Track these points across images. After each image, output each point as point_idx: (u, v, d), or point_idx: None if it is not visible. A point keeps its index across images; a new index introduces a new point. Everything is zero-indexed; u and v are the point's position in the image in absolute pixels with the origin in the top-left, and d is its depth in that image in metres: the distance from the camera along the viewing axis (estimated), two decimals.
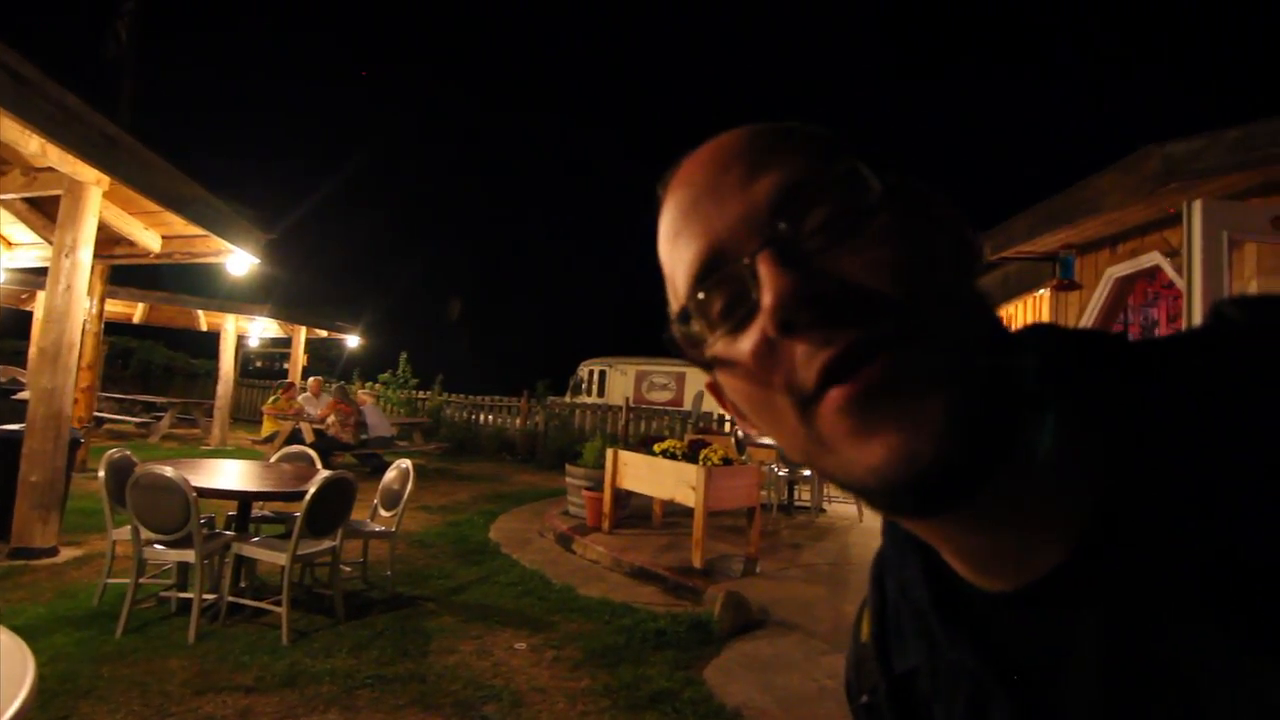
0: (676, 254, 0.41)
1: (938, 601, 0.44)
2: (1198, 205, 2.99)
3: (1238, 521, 0.32)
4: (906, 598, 0.47)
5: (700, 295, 0.39)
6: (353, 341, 16.56)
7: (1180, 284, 3.55)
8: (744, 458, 6.56)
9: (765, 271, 0.35)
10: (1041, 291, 5.47)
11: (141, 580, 3.56)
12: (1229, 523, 0.32)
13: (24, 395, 5.49)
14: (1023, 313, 6.35)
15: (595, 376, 16.67)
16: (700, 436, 7.40)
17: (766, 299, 0.35)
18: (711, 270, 0.39)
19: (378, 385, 14.74)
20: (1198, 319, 2.93)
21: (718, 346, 0.39)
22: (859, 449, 0.35)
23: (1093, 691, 0.36)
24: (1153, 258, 4.29)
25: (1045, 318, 5.57)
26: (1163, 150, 3.41)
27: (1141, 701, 0.35)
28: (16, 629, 2.37)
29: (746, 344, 0.38)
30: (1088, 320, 4.84)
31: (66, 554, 4.77)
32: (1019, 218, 4.72)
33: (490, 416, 14.60)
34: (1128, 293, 4.75)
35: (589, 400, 15.67)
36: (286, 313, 13.62)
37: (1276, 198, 3.41)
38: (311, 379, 10.49)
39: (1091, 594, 0.36)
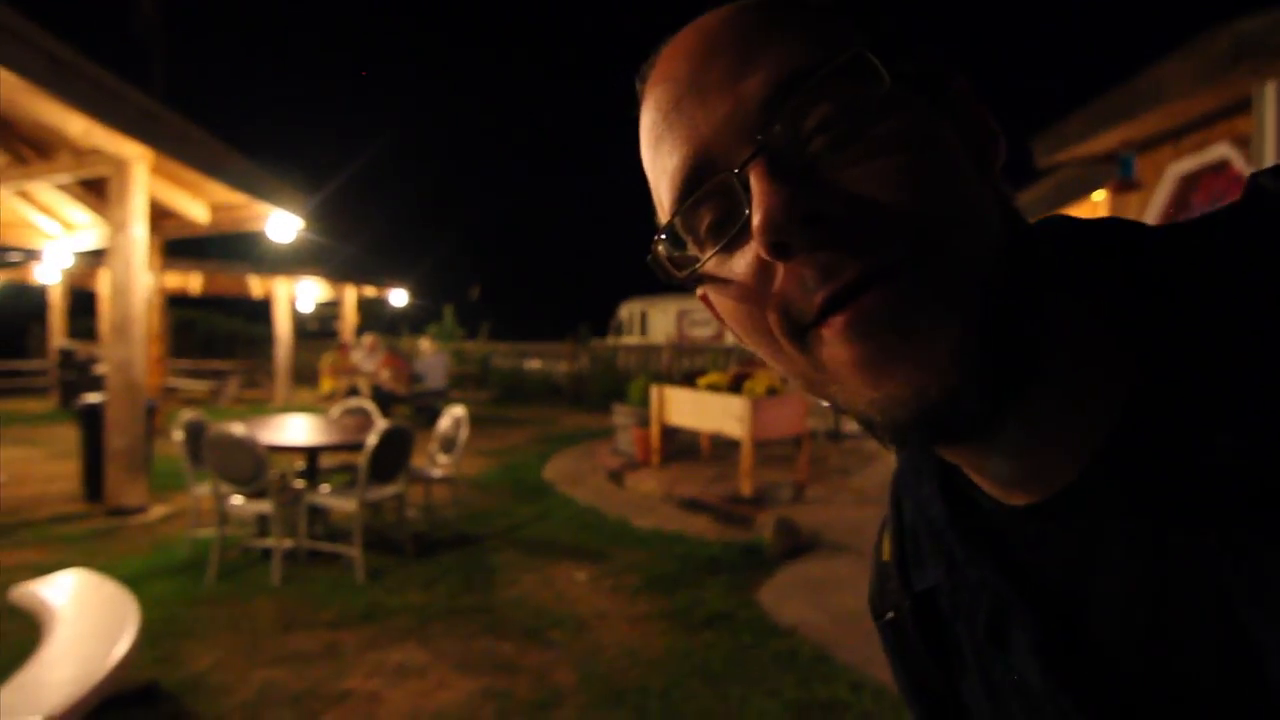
0: (659, 162, 0.37)
1: (954, 519, 0.42)
2: (1271, 87, 2.78)
3: (1261, 423, 0.30)
4: (924, 517, 0.46)
5: (686, 210, 0.36)
6: (399, 297, 16.91)
7: None
8: (788, 386, 6.55)
9: (756, 184, 0.32)
10: (1099, 196, 5.19)
11: (226, 531, 3.82)
12: (1252, 424, 0.30)
13: (102, 368, 5.83)
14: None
15: (636, 317, 16.69)
16: (744, 369, 7.40)
17: (756, 218, 0.31)
18: (698, 182, 0.35)
19: (425, 339, 15.10)
20: None
21: (708, 265, 0.36)
22: (863, 380, 0.33)
23: (1119, 604, 0.35)
24: (1221, 149, 4.00)
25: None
26: (1231, 28, 3.13)
27: (1169, 611, 0.33)
28: (119, 579, 2.59)
29: (739, 265, 0.35)
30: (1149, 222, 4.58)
31: (156, 511, 5.13)
32: (1073, 116, 4.45)
33: (537, 363, 14.85)
34: (1193, 190, 4.46)
35: (631, 341, 15.75)
36: (334, 272, 13.95)
37: None
38: (367, 336, 10.80)
39: (1114, 504, 0.34)
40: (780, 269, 0.33)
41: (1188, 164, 4.27)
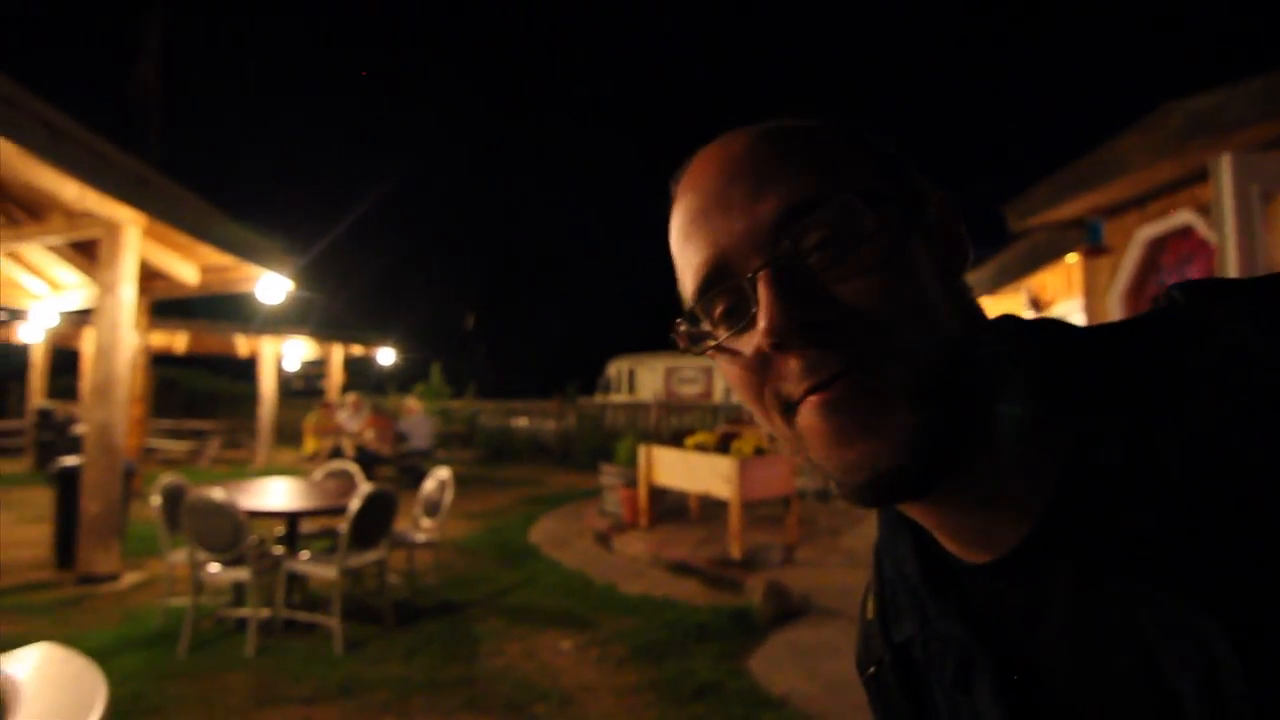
0: (685, 257, 0.45)
1: (926, 576, 0.48)
2: (1225, 159, 2.91)
3: (1173, 492, 0.36)
4: (901, 574, 0.51)
5: (705, 300, 0.44)
6: (386, 356, 16.89)
7: (1214, 241, 3.46)
8: (776, 446, 6.55)
9: (763, 293, 0.40)
10: (1071, 258, 5.35)
11: (200, 600, 3.71)
12: (1167, 493, 0.36)
13: (80, 429, 5.74)
14: (1054, 280, 6.21)
15: (624, 374, 16.74)
16: (731, 428, 7.40)
17: (762, 322, 0.39)
18: (717, 279, 0.43)
19: (412, 397, 15.01)
20: (1233, 275, 2.86)
21: (720, 339, 0.44)
22: (830, 451, 0.40)
23: (1062, 651, 0.41)
24: (1184, 216, 4.17)
25: (1077, 284, 5.44)
26: (1184, 105, 3.32)
27: (1103, 658, 0.39)
28: (87, 652, 2.50)
29: (743, 345, 0.43)
30: (1120, 284, 4.72)
31: (129, 578, 4.97)
32: (1040, 186, 4.63)
33: (524, 421, 14.77)
34: (1161, 253, 4.62)
35: (619, 398, 15.75)
36: (320, 332, 13.95)
37: None
38: (350, 394, 10.74)
39: (1056, 562, 0.40)
40: (776, 356, 0.41)
41: (1154, 229, 4.43)
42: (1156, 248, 4.60)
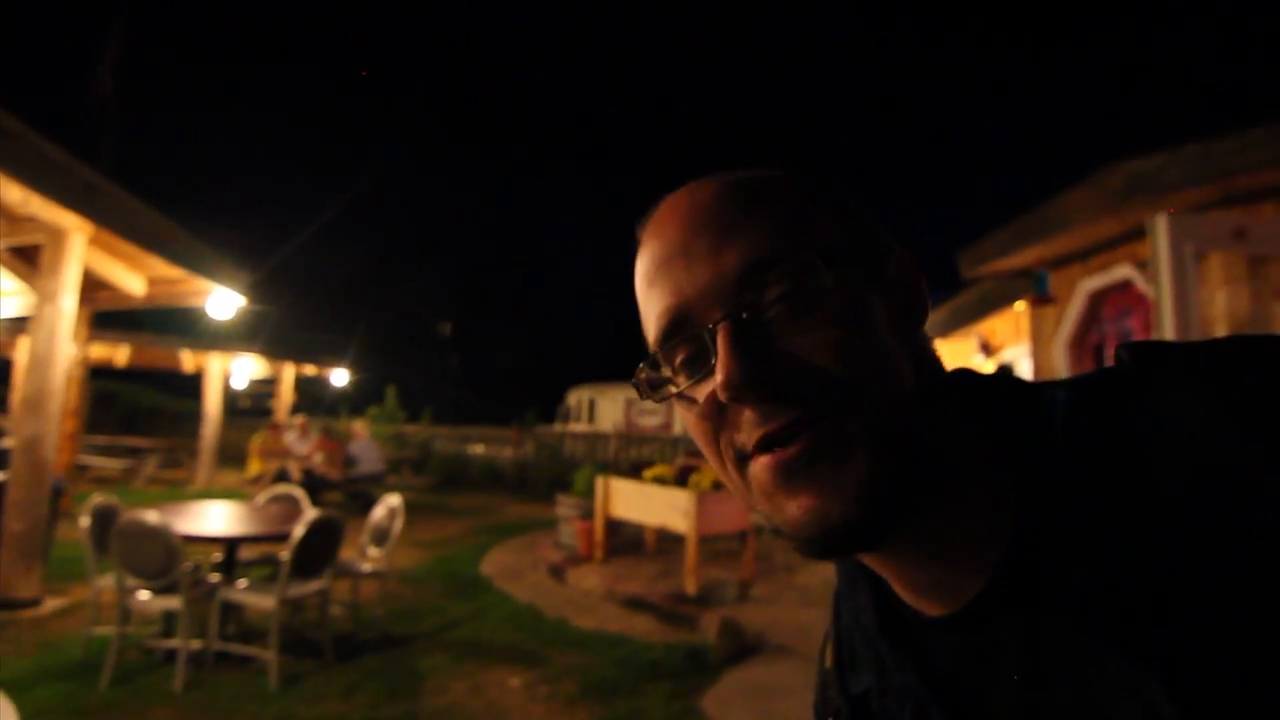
0: (649, 303, 0.46)
1: (884, 626, 0.49)
2: (1161, 219, 3.08)
3: (1119, 552, 0.37)
4: (858, 624, 0.52)
5: (667, 348, 0.45)
6: (340, 377, 16.49)
7: (1151, 295, 3.64)
8: None
9: (722, 346, 0.40)
10: (1019, 306, 5.56)
11: (127, 630, 3.51)
12: (1113, 553, 0.37)
13: (7, 443, 5.44)
14: (1004, 326, 6.44)
15: (585, 404, 16.65)
16: (690, 461, 7.40)
17: (719, 375, 0.40)
18: (678, 329, 0.44)
19: (365, 420, 14.66)
20: (1168, 328, 3.00)
21: (680, 387, 0.45)
22: (782, 504, 0.41)
23: (1014, 707, 0.41)
24: (1124, 270, 4.38)
25: (1025, 331, 5.65)
26: (1124, 167, 3.51)
27: (1053, 708, 0.39)
28: (1, 683, 2.33)
29: (701, 393, 0.44)
30: (1065, 333, 4.92)
31: (51, 604, 4.68)
32: (991, 236, 4.82)
33: (480, 448, 14.53)
34: (1102, 305, 4.83)
35: (579, 428, 15.64)
36: (271, 350, 13.56)
37: (1237, 209, 3.51)
38: (298, 416, 10.43)
39: (1009, 617, 0.41)
40: (730, 407, 0.42)
41: (1096, 281, 4.65)
42: (1098, 299, 4.81)
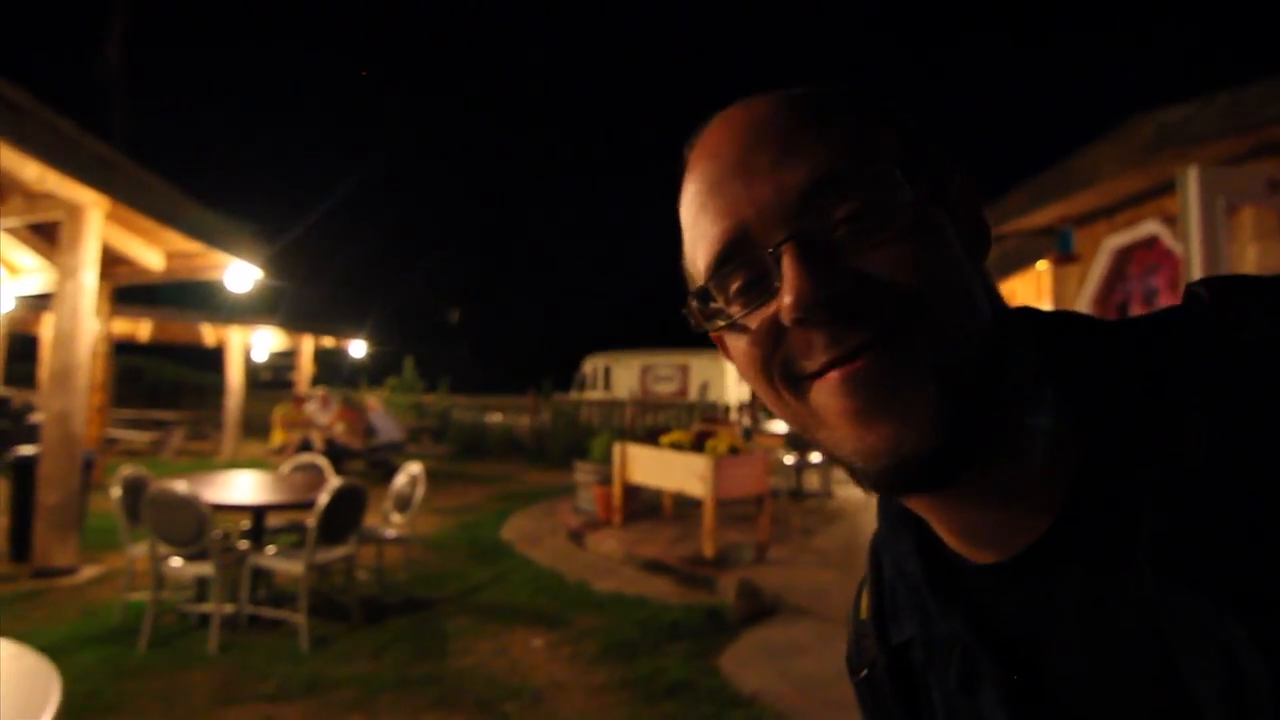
0: (699, 228, 0.42)
1: (930, 574, 0.46)
2: (1192, 172, 2.98)
3: (1198, 492, 0.34)
4: (901, 573, 0.49)
5: (721, 275, 0.41)
6: (358, 348, 16.64)
7: (1179, 251, 3.55)
8: (750, 445, 6.58)
9: (789, 266, 0.37)
10: (1041, 265, 5.46)
11: (162, 595, 3.62)
12: (1192, 493, 0.34)
13: (38, 418, 5.57)
14: (1024, 288, 6.33)
15: (600, 371, 16.70)
16: (706, 427, 7.42)
17: (787, 297, 0.37)
18: (735, 252, 0.40)
19: (384, 390, 14.81)
20: None
21: (735, 317, 0.41)
22: (849, 430, 0.38)
23: (1075, 655, 0.39)
24: (1151, 226, 4.27)
25: (1046, 291, 5.55)
26: (1154, 118, 3.39)
27: (1117, 664, 0.37)
28: (41, 648, 2.42)
29: (756, 320, 0.40)
30: (1088, 292, 4.82)
31: (87, 572, 4.83)
32: (1014, 193, 4.71)
33: (498, 417, 14.67)
34: (1128, 263, 4.73)
35: (595, 396, 15.71)
36: (290, 323, 13.69)
37: (1271, 160, 3.39)
38: (319, 387, 10.57)
39: (1072, 562, 0.39)
40: (795, 331, 0.38)
41: (1122, 238, 4.54)
42: (1124, 257, 4.71)
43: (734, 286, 0.41)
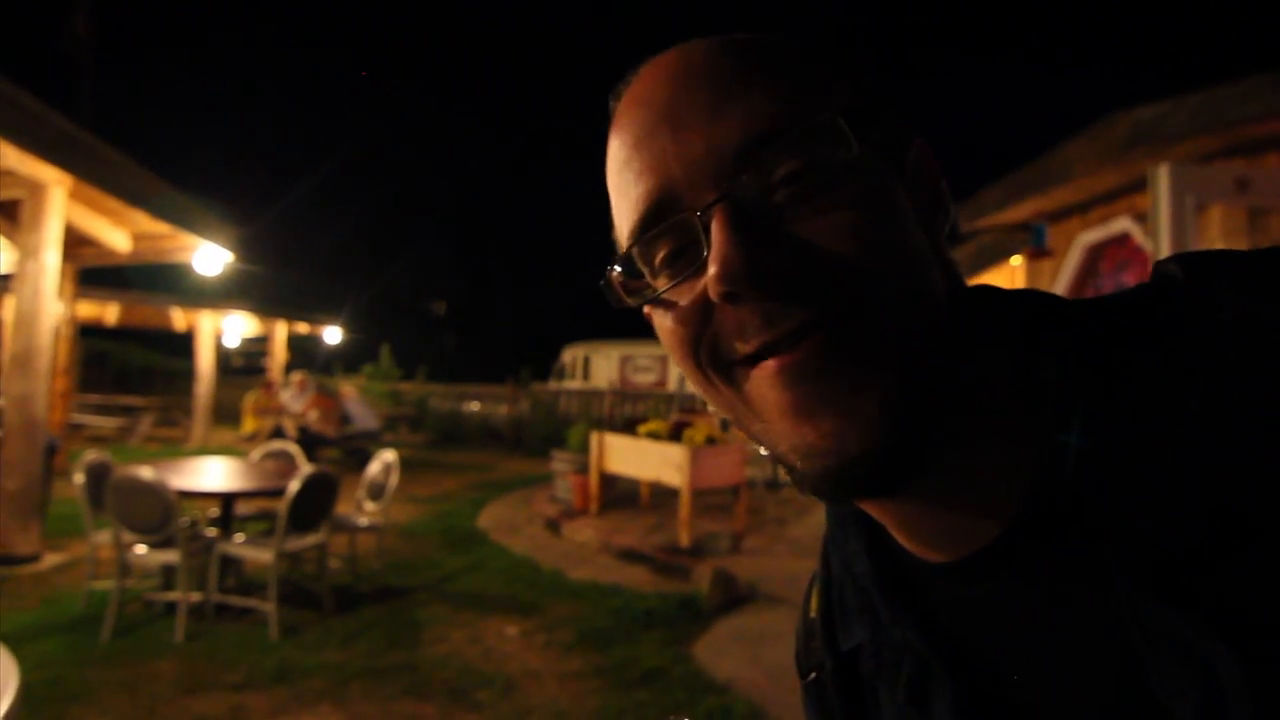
0: (624, 186, 0.37)
1: (880, 576, 0.42)
2: (1163, 169, 3.03)
3: (1176, 487, 0.30)
4: (850, 574, 0.46)
5: (646, 241, 0.36)
6: (333, 335, 16.41)
7: (1149, 248, 3.61)
8: (728, 436, 6.61)
9: (717, 232, 0.32)
10: (1016, 260, 5.53)
11: (127, 583, 3.54)
12: (1168, 489, 0.31)
13: None
14: (998, 282, 6.41)
15: (579, 361, 16.66)
16: (684, 417, 7.44)
17: (713, 267, 0.32)
18: (661, 214, 0.35)
19: (360, 378, 14.64)
20: None
21: (660, 290, 0.37)
22: (787, 425, 0.34)
23: (1034, 665, 0.36)
24: (1122, 223, 4.34)
25: (1020, 285, 5.63)
26: (1129, 116, 3.44)
27: (1083, 674, 0.34)
28: (2, 637, 2.36)
29: (684, 295, 0.36)
30: (1061, 287, 4.90)
31: (50, 560, 4.72)
32: (990, 188, 4.76)
33: (476, 405, 14.58)
34: (1099, 259, 4.81)
35: (574, 385, 15.67)
36: (263, 308, 13.45)
37: (1240, 160, 3.46)
38: (296, 374, 10.40)
39: (1033, 565, 0.35)
40: (725, 308, 0.34)
41: (1094, 235, 4.61)
42: (1096, 253, 4.78)
43: (659, 255, 0.36)
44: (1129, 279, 6.13)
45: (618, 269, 0.38)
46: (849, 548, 0.45)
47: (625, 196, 0.37)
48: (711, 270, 0.32)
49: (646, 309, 0.39)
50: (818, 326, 0.32)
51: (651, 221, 0.36)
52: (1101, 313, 0.37)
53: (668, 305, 0.37)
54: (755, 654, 3.44)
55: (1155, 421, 0.32)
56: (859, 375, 0.32)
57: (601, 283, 0.39)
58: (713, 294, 0.33)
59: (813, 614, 0.51)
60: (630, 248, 0.37)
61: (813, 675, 0.49)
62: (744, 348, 0.34)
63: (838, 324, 0.32)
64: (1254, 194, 2.99)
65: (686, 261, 0.35)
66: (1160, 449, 0.31)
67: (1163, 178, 3.01)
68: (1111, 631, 0.32)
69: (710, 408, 0.39)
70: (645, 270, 0.37)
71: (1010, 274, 5.95)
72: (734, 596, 4.17)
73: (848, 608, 0.47)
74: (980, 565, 0.37)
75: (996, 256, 5.64)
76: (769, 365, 0.33)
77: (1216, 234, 3.63)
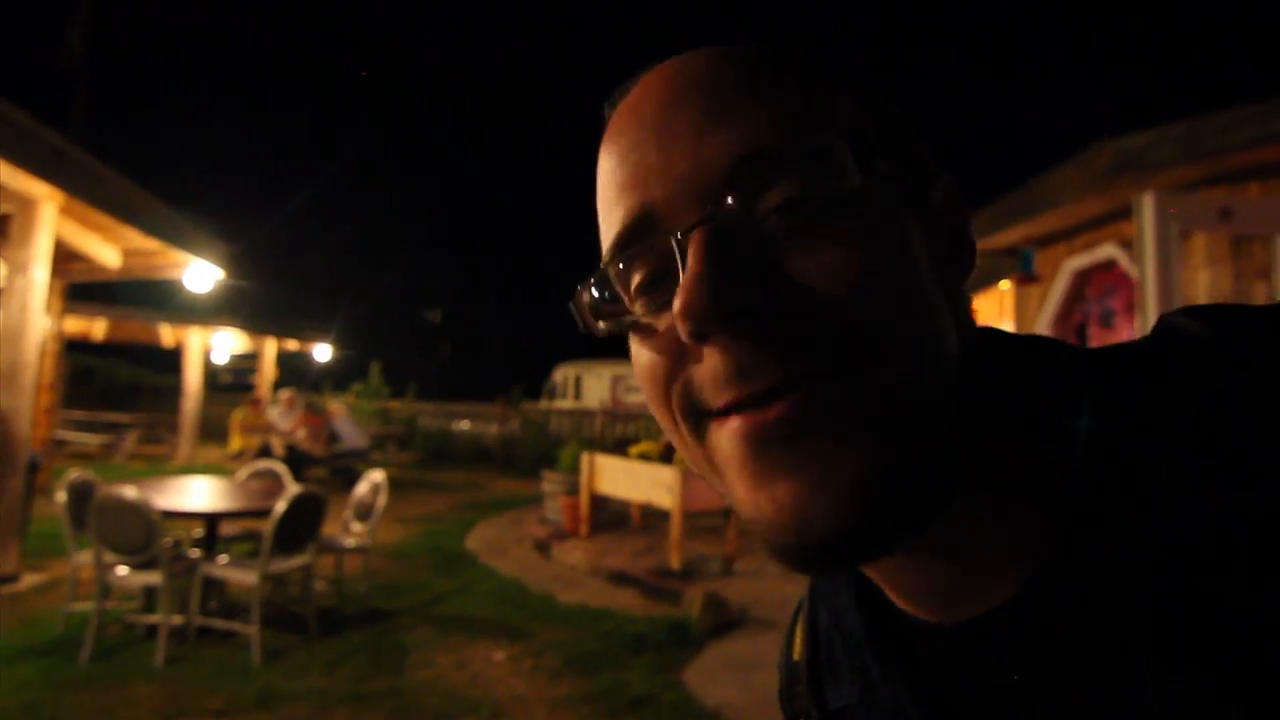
0: (607, 203, 0.35)
1: (872, 633, 0.40)
2: (1148, 198, 3.08)
3: (1194, 566, 0.28)
4: (840, 629, 0.43)
5: (621, 261, 0.34)
6: (323, 352, 16.32)
7: (1135, 274, 3.66)
8: None
9: (692, 259, 0.29)
10: (1004, 285, 5.59)
11: (107, 605, 3.47)
12: (1184, 567, 0.28)
13: None
14: (986, 306, 6.47)
15: (571, 380, 16.62)
16: None
17: (679, 298, 0.29)
18: (639, 233, 0.33)
19: (349, 396, 14.54)
20: (1151, 308, 3.02)
21: (635, 315, 0.34)
22: (747, 490, 0.31)
23: None
24: (1109, 249, 4.40)
25: (1008, 311, 5.68)
26: (1114, 145, 3.50)
27: None
28: None
29: (660, 329, 0.33)
30: (1048, 312, 4.94)
31: (29, 580, 4.63)
32: (979, 213, 4.82)
33: (466, 424, 14.50)
34: (1086, 284, 4.86)
35: (565, 404, 15.62)
36: (253, 324, 13.37)
37: (1223, 188, 3.52)
38: (285, 391, 10.32)
39: (1042, 631, 0.32)
40: (694, 347, 0.31)
41: (1081, 260, 4.67)
42: (1082, 278, 4.84)
43: (635, 279, 0.34)
44: (1115, 304, 6.20)
45: (593, 290, 0.35)
46: (839, 600, 0.43)
47: (609, 210, 0.35)
48: (677, 303, 0.29)
49: (621, 331, 0.36)
50: (797, 382, 0.29)
51: (629, 241, 0.33)
52: (1120, 364, 0.34)
53: (642, 335, 0.34)
54: (746, 680, 3.41)
55: (1193, 479, 0.29)
56: (835, 443, 0.29)
57: (570, 304, 0.37)
58: (680, 331, 0.29)
59: (796, 656, 0.48)
60: (605, 266, 0.34)
61: None
62: (714, 400, 0.30)
63: (820, 380, 0.29)
64: (1237, 222, 3.05)
65: (664, 289, 0.32)
66: (1197, 514, 0.29)
67: (1148, 205, 3.05)
68: (1128, 707, 0.29)
69: (680, 454, 0.36)
70: (622, 293, 0.35)
71: (999, 298, 6.01)
72: (725, 621, 4.13)
73: (837, 661, 0.44)
74: (983, 629, 0.34)
75: (984, 281, 5.70)
76: (734, 422, 0.30)
77: (1200, 261, 3.69)
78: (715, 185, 0.31)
